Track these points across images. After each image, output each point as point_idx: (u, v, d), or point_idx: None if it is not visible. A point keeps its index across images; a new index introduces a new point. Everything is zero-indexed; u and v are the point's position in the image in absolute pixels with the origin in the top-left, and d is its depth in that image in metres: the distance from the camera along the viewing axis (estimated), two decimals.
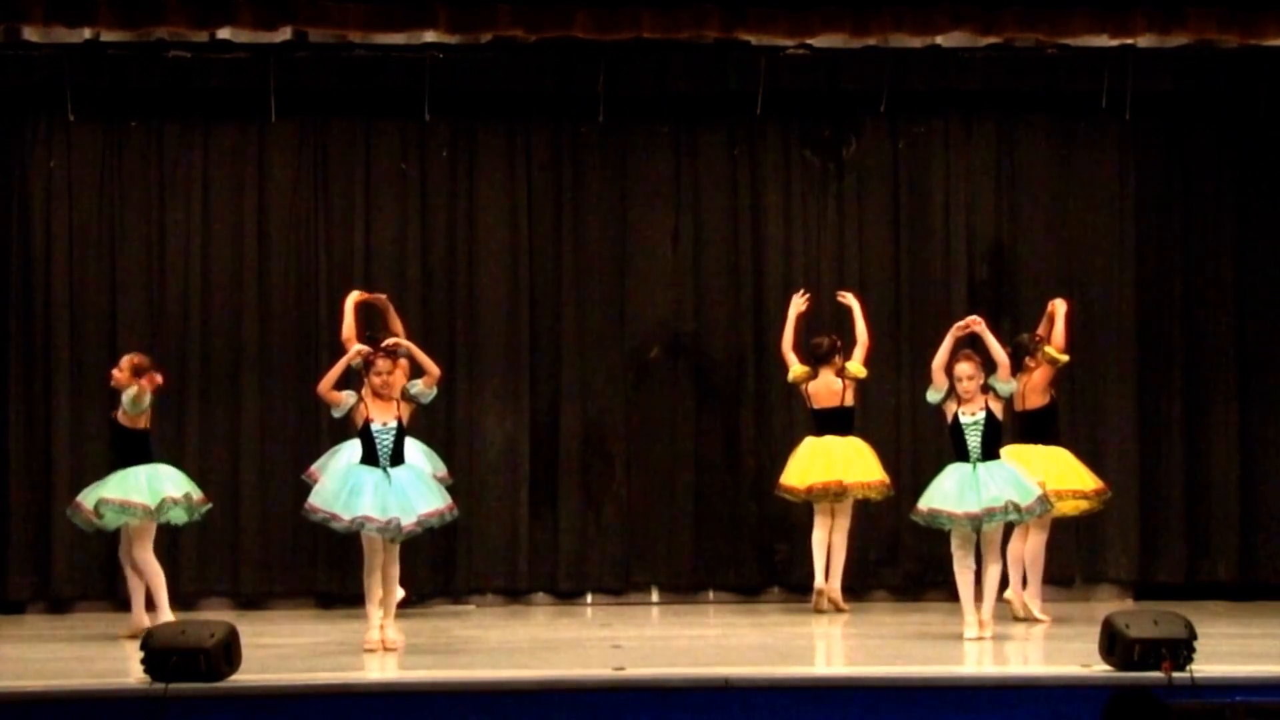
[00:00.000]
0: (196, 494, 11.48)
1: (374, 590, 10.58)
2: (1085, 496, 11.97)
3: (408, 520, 10.51)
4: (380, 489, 10.53)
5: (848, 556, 12.58)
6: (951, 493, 10.98)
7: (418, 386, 10.71)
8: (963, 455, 11.05)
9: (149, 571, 11.30)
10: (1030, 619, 11.75)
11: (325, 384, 10.63)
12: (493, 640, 11.58)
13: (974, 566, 11.04)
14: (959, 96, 13.58)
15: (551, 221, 13.56)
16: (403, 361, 10.99)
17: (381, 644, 10.55)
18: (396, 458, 10.64)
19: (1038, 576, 11.84)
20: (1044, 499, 11.14)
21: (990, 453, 11.05)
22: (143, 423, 11.43)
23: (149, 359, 11.61)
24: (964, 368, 11.13)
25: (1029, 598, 11.82)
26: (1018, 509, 10.95)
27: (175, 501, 11.32)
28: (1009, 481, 10.99)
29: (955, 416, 11.06)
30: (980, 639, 10.88)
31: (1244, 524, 13.50)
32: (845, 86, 13.44)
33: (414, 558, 12.51)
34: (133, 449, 11.40)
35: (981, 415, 11.03)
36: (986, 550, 11.09)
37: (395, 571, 10.77)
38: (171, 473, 11.47)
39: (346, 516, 10.51)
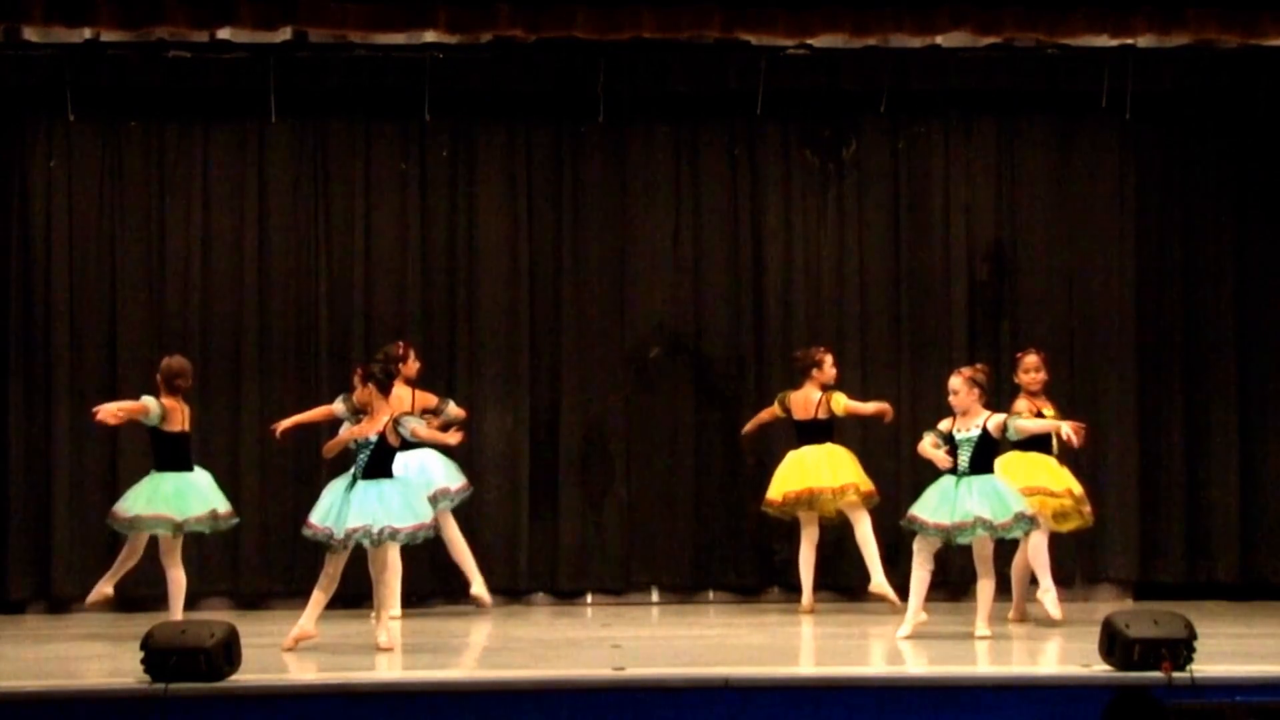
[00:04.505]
0: (223, 508, 11.64)
1: (316, 593, 10.76)
2: (1053, 495, 11.78)
3: (338, 533, 10.62)
4: (336, 501, 10.68)
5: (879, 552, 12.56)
6: (930, 503, 11.12)
7: (411, 423, 10.85)
8: (953, 468, 11.14)
9: (172, 577, 11.44)
10: (1047, 620, 11.72)
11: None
12: (493, 640, 11.59)
13: (930, 568, 11.14)
14: (959, 96, 13.58)
15: (551, 221, 13.56)
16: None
17: (296, 640, 10.66)
18: (370, 472, 10.69)
19: (1045, 573, 11.78)
20: (1025, 517, 11.09)
21: (980, 468, 11.08)
22: (178, 426, 11.52)
23: (182, 363, 11.67)
24: (952, 381, 11.23)
25: (1041, 594, 11.78)
26: (990, 525, 10.97)
27: (200, 520, 11.48)
28: (987, 497, 11.01)
29: (951, 434, 11.16)
30: (909, 638, 10.97)
31: (1244, 524, 13.49)
32: (845, 86, 13.45)
33: (415, 558, 12.51)
34: (166, 453, 11.53)
35: (976, 433, 11.08)
36: (977, 564, 11.17)
37: (385, 576, 10.82)
38: (201, 485, 11.57)
39: (313, 523, 10.73)
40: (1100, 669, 9.33)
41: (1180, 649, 9.14)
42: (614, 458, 13.49)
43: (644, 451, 13.51)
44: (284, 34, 12.92)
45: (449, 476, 12.42)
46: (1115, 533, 13.35)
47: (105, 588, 11.64)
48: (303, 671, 10.01)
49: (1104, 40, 13.02)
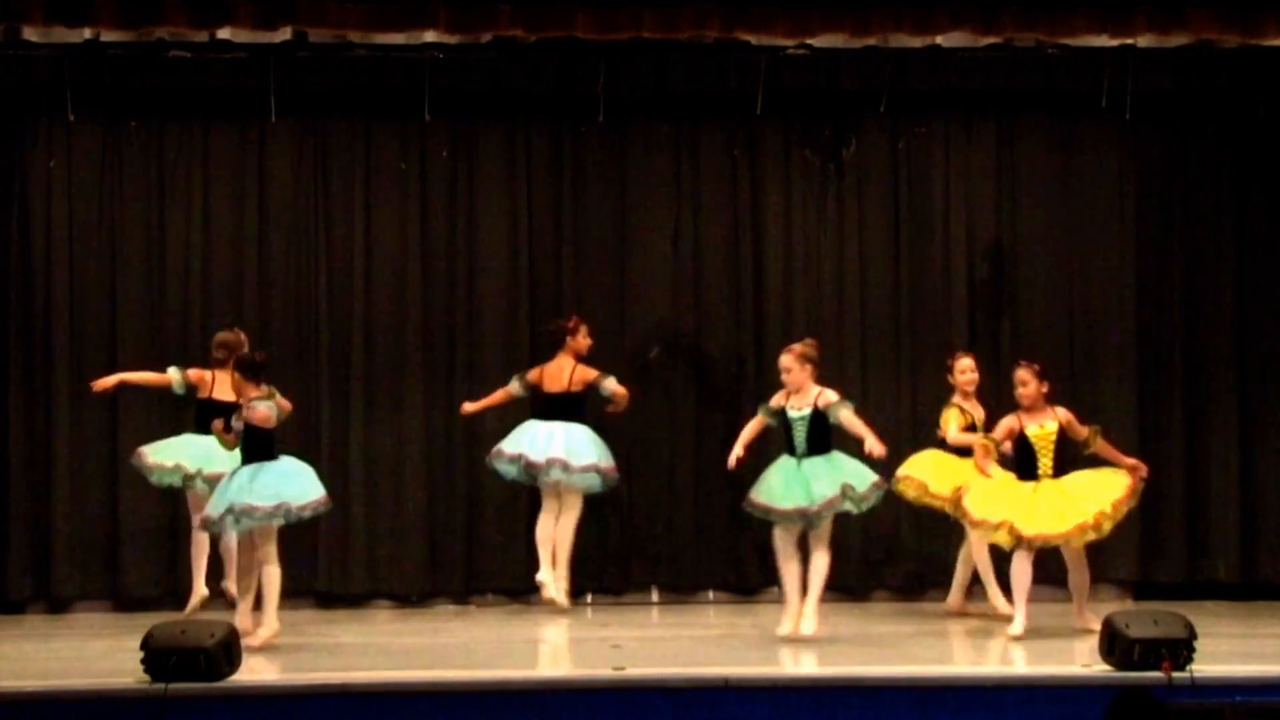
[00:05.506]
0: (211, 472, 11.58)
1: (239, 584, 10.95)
2: (995, 528, 11.20)
3: (216, 511, 10.73)
4: (239, 484, 10.74)
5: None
6: (775, 488, 10.99)
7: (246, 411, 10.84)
8: (790, 449, 11.05)
9: (195, 539, 11.75)
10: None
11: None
12: (492, 640, 11.59)
13: (799, 558, 11.01)
14: (959, 96, 13.57)
15: (551, 221, 13.55)
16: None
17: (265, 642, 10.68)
18: (250, 456, 10.76)
19: (1015, 595, 11.40)
20: (878, 485, 10.98)
21: (817, 448, 10.96)
22: (206, 394, 11.77)
23: (225, 336, 11.94)
24: (782, 359, 11.12)
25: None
26: (854, 496, 10.84)
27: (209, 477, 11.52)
28: (838, 473, 10.89)
29: (783, 409, 11.05)
30: (794, 638, 10.86)
31: (1244, 524, 13.48)
32: (845, 86, 13.44)
33: (415, 558, 12.52)
34: (198, 420, 11.82)
35: (808, 411, 10.98)
36: (814, 543, 10.99)
37: (260, 560, 10.86)
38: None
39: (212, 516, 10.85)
40: (1100, 669, 9.34)
41: (1180, 649, 9.15)
42: (614, 458, 13.46)
43: (644, 451, 13.50)
44: (284, 34, 12.92)
45: (598, 452, 12.57)
46: (1115, 533, 13.27)
47: (231, 596, 11.65)
48: (303, 671, 10.01)
49: (1104, 40, 13.03)
